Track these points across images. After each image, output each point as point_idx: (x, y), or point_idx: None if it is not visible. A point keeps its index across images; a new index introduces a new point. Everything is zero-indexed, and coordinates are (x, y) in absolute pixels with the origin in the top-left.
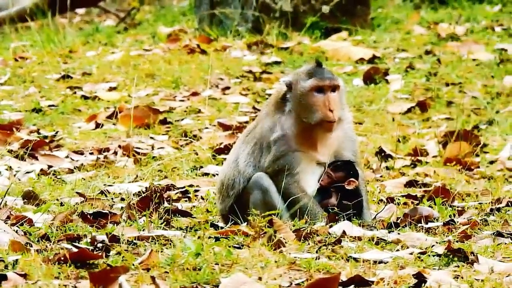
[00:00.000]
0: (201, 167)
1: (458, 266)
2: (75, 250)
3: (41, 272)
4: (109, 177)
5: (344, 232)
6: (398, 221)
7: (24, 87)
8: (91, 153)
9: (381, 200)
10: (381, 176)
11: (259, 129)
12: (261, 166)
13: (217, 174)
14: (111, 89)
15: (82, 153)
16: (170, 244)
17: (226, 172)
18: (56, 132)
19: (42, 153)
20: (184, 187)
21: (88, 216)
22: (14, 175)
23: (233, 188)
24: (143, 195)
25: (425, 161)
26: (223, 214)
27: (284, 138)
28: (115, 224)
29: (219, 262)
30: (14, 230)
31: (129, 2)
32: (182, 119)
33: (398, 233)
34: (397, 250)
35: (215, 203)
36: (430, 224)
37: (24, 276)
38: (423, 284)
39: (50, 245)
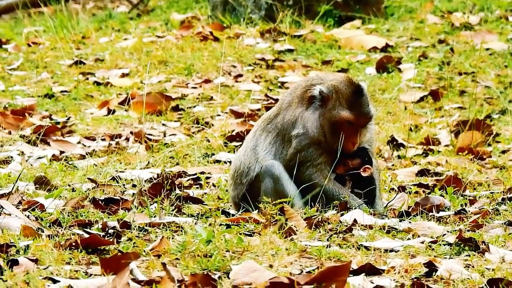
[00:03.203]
0: (213, 154)
1: (469, 255)
2: (86, 236)
3: (52, 257)
4: (120, 163)
5: (355, 220)
6: (410, 210)
7: (36, 73)
8: (103, 139)
9: (393, 189)
10: (392, 165)
11: (281, 119)
12: (282, 157)
13: (229, 161)
14: (124, 75)
15: (94, 139)
16: (181, 231)
17: (242, 159)
18: (68, 118)
19: (54, 138)
20: (195, 174)
21: (100, 202)
22: (26, 161)
23: (247, 175)
24: (154, 181)
25: (437, 150)
26: (235, 201)
27: (305, 134)
28: (127, 211)
29: (230, 249)
30: (25, 215)
31: None
32: (194, 106)
33: (410, 222)
34: (408, 239)
35: (227, 190)
36: (441, 213)
37: (36, 261)
38: (434, 273)
39: (61, 230)
